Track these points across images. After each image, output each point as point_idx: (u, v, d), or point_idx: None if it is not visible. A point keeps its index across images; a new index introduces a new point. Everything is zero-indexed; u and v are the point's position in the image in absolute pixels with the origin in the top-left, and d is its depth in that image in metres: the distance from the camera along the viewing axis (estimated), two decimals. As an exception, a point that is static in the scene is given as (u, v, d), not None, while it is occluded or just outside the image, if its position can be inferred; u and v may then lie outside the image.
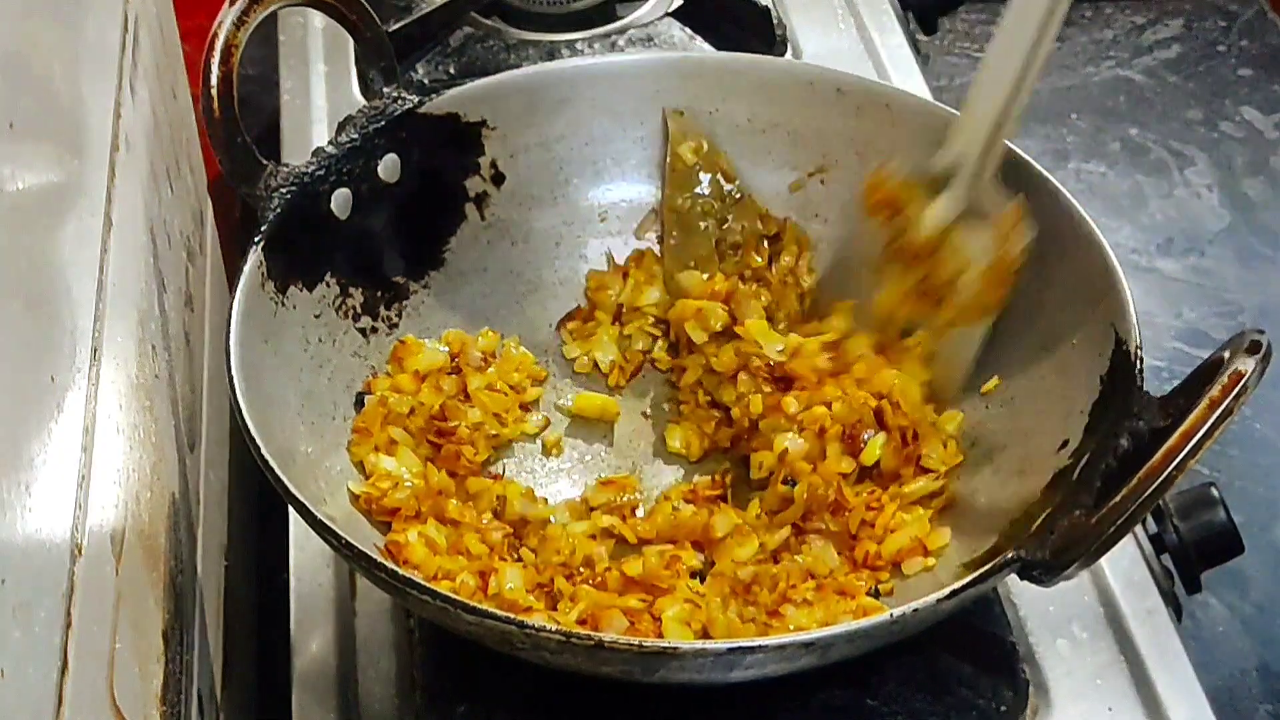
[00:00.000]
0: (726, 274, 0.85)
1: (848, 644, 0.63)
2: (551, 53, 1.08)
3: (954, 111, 0.83)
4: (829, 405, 0.77)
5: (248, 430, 0.66)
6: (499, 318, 0.87)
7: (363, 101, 0.99)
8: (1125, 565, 0.79)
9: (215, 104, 0.72)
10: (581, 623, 0.71)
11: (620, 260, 0.88)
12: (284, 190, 0.76)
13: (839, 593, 0.73)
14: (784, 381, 0.80)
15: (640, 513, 0.79)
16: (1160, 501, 0.75)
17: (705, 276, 0.85)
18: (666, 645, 0.64)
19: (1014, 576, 0.64)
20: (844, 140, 0.85)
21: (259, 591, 1.01)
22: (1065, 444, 0.71)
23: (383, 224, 0.82)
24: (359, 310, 0.81)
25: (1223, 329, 1.19)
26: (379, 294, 0.82)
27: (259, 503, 1.04)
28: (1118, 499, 0.61)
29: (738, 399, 0.80)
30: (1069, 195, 0.77)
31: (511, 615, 0.61)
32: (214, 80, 0.72)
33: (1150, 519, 0.80)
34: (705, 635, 0.71)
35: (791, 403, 0.78)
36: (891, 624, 0.61)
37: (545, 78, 0.87)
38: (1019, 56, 0.73)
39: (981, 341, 0.78)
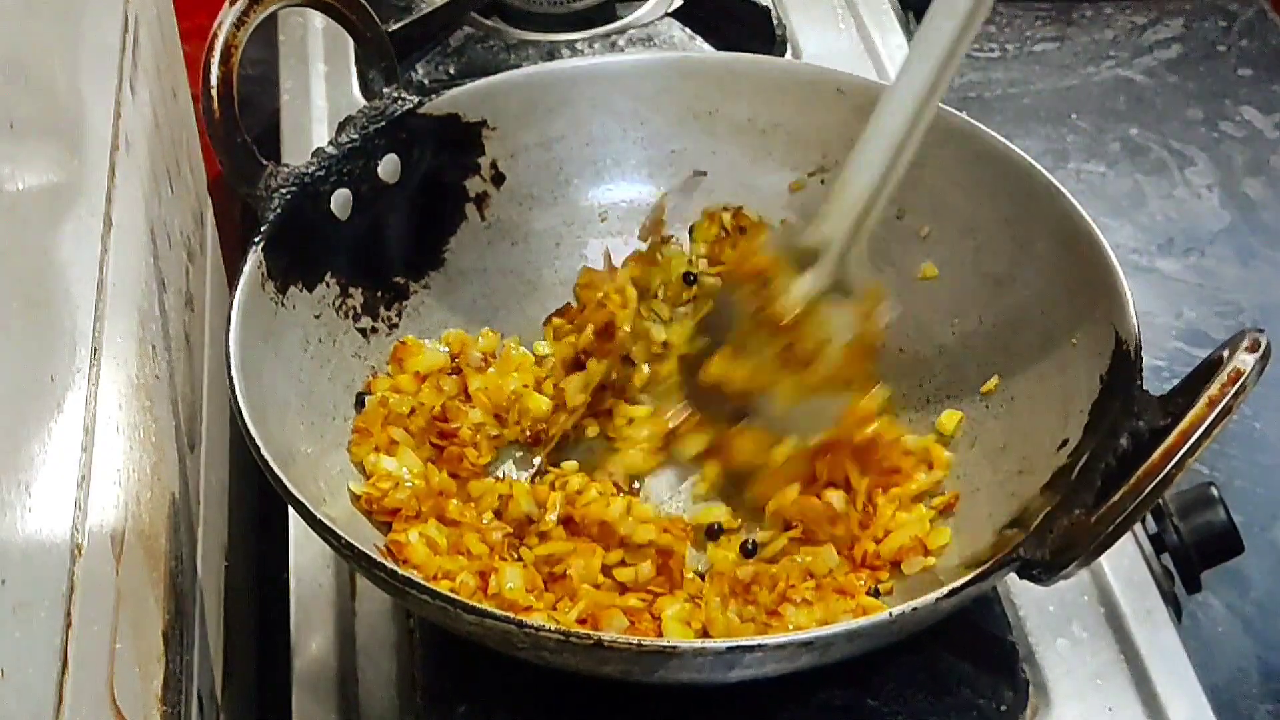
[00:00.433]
0: None
1: (847, 643, 0.63)
2: (551, 53, 1.08)
3: (954, 112, 0.83)
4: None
5: (248, 430, 0.66)
6: (499, 318, 0.87)
7: (363, 101, 0.99)
8: (1125, 565, 0.79)
9: (215, 104, 0.72)
10: (581, 622, 0.71)
11: (618, 261, 0.88)
12: (284, 190, 0.76)
13: (838, 592, 0.73)
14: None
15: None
16: (1160, 501, 0.75)
17: None
18: (666, 645, 0.63)
19: (1014, 576, 0.64)
20: (844, 140, 0.85)
21: (259, 591, 1.01)
22: (1065, 443, 0.71)
23: (383, 224, 0.82)
24: (359, 310, 0.81)
25: (1223, 329, 1.19)
26: (379, 294, 0.82)
27: (259, 503, 1.04)
28: (1117, 498, 0.61)
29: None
30: (1069, 195, 0.77)
31: (511, 615, 0.61)
32: (214, 80, 0.72)
33: (1150, 519, 0.80)
34: (705, 635, 0.72)
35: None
36: (891, 623, 0.61)
37: (545, 78, 0.88)
38: (893, 141, 0.74)
39: (842, 406, 0.79)
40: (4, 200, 0.51)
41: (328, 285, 0.79)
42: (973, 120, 0.82)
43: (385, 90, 0.81)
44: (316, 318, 0.78)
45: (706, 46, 1.09)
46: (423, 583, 0.62)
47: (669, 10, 1.12)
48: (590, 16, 1.12)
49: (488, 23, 1.12)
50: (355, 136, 0.80)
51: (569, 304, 0.88)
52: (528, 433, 0.82)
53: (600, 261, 0.88)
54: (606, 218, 0.89)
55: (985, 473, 0.77)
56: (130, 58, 0.81)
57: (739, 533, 0.78)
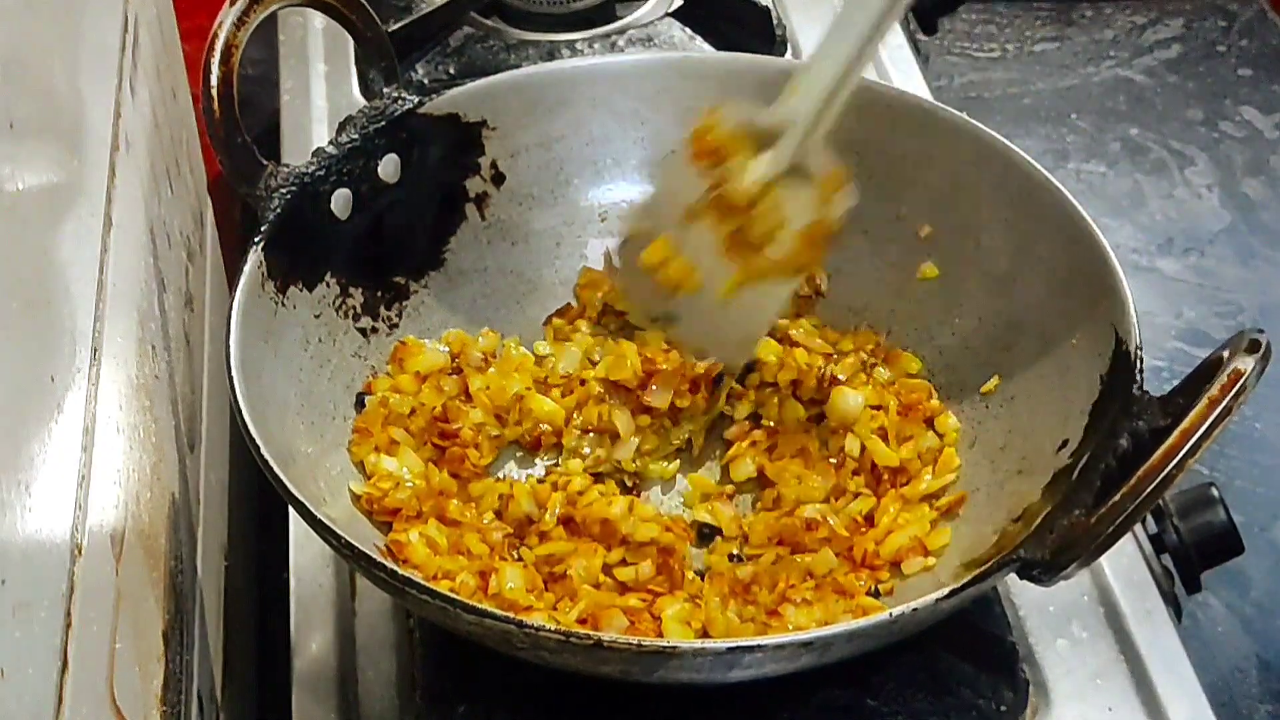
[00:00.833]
0: None
1: (847, 644, 0.63)
2: (551, 53, 1.08)
3: (954, 112, 0.83)
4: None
5: (248, 430, 0.66)
6: (499, 318, 0.87)
7: (363, 101, 0.99)
8: (1125, 565, 0.79)
9: (215, 104, 0.72)
10: (581, 622, 0.71)
11: (618, 261, 0.88)
12: (284, 190, 0.76)
13: (838, 592, 0.73)
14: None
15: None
16: (1160, 501, 0.75)
17: None
18: (665, 645, 0.63)
19: (1014, 576, 0.64)
20: (844, 140, 0.85)
21: (259, 591, 1.01)
22: (1065, 444, 0.71)
23: (383, 224, 0.82)
24: (359, 310, 0.81)
25: (1223, 329, 1.19)
26: (379, 294, 0.82)
27: (259, 503, 1.04)
28: (1117, 499, 0.61)
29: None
30: (1069, 195, 0.77)
31: (511, 615, 0.61)
32: (214, 80, 0.72)
33: (1150, 519, 0.80)
34: (705, 635, 0.72)
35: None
36: (891, 623, 0.61)
37: (545, 78, 0.88)
38: (866, 21, 0.72)
39: (784, 302, 0.78)
40: (4, 200, 0.51)
41: (328, 285, 0.79)
42: (973, 120, 0.82)
43: (385, 90, 0.81)
44: (316, 317, 0.78)
45: (706, 46, 1.09)
46: (423, 583, 0.62)
47: (669, 10, 1.12)
48: (590, 16, 1.12)
49: (488, 23, 1.12)
50: (355, 136, 0.80)
51: (569, 304, 0.88)
52: (529, 436, 0.82)
53: (600, 262, 0.88)
54: (606, 218, 0.89)
55: (985, 473, 0.77)
56: (130, 58, 0.81)
57: (731, 543, 0.78)
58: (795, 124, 0.74)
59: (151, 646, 0.65)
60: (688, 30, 1.10)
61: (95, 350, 0.61)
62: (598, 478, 0.81)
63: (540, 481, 0.79)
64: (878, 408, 0.80)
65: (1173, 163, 1.34)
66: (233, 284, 0.73)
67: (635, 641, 0.60)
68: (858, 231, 0.86)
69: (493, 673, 0.72)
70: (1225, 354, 0.62)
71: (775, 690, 0.71)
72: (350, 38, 0.81)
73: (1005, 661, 0.74)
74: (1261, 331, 0.63)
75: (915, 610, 0.61)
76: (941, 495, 0.77)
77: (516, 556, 0.76)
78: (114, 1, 0.80)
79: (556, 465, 0.82)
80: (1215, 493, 0.79)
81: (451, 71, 1.08)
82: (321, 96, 1.09)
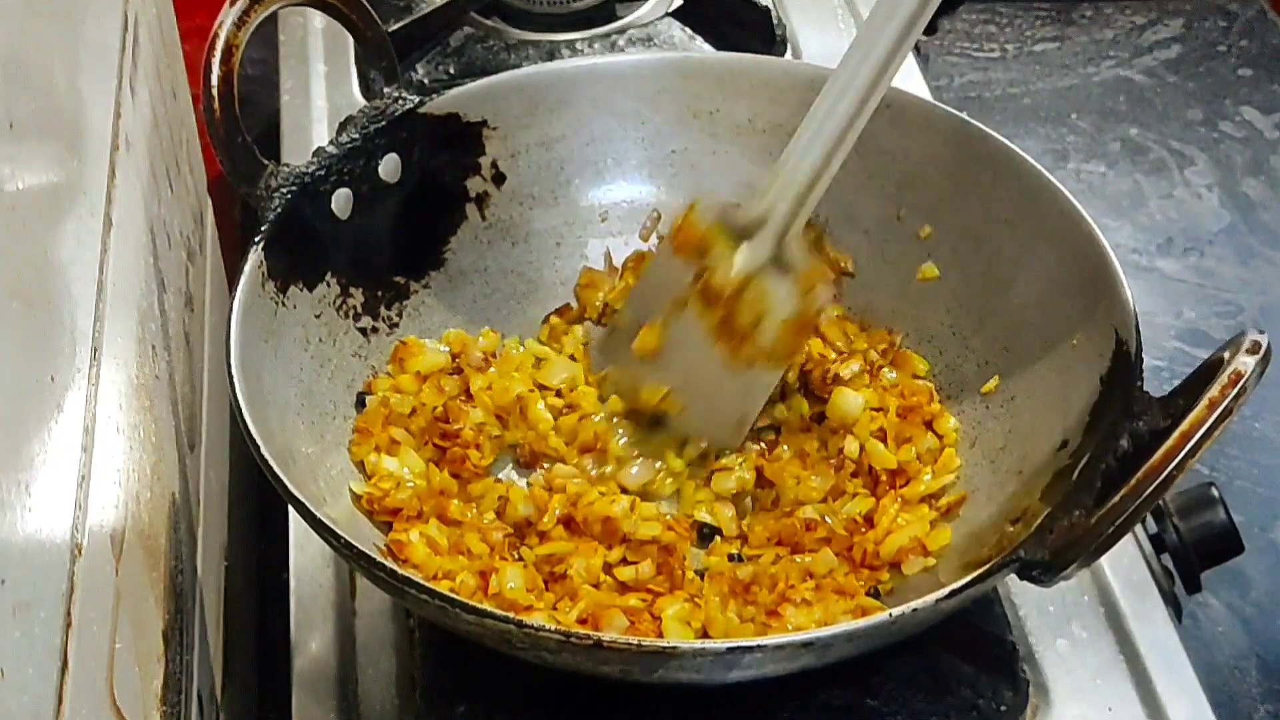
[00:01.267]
0: None
1: (847, 644, 0.63)
2: (551, 53, 1.08)
3: (954, 112, 0.83)
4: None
5: (248, 430, 0.66)
6: (500, 318, 0.87)
7: (363, 101, 0.99)
8: (1125, 565, 0.79)
9: (216, 104, 0.72)
10: (582, 622, 0.71)
11: (618, 261, 0.88)
12: (285, 190, 0.76)
13: (838, 593, 0.73)
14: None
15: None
16: (1160, 501, 0.75)
17: None
18: (665, 645, 0.63)
19: (1014, 576, 0.64)
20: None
21: (259, 591, 1.01)
22: (1065, 444, 0.71)
23: (383, 224, 0.82)
24: (359, 310, 0.81)
25: (1223, 329, 1.19)
26: (379, 294, 0.82)
27: (259, 503, 1.04)
28: (1117, 499, 0.61)
29: None
30: (1069, 195, 0.77)
31: (511, 615, 0.61)
32: (214, 80, 0.72)
33: (1150, 519, 0.80)
34: (705, 635, 0.72)
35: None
36: (891, 624, 0.61)
37: (546, 78, 0.88)
38: (840, 120, 0.75)
39: (774, 384, 0.80)
40: (4, 200, 0.51)
41: (328, 285, 0.79)
42: (973, 120, 0.82)
43: (386, 90, 0.81)
44: (317, 317, 0.78)
45: (706, 46, 1.09)
46: (422, 583, 0.62)
47: (669, 10, 1.12)
48: (590, 16, 1.12)
49: (488, 23, 1.12)
50: (356, 136, 0.80)
51: (568, 304, 0.88)
52: (528, 453, 0.81)
53: (600, 262, 0.88)
54: (607, 218, 0.89)
55: (985, 473, 0.77)
56: (130, 58, 0.81)
57: (731, 543, 0.78)
58: (773, 219, 0.78)
59: (151, 646, 0.65)
60: (688, 30, 1.10)
61: (95, 350, 0.61)
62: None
63: (545, 488, 0.79)
64: (878, 409, 0.80)
65: (1173, 163, 1.34)
66: (233, 284, 0.73)
67: (635, 641, 0.60)
68: (858, 231, 0.86)
69: (493, 673, 0.72)
70: (1225, 355, 0.62)
71: (775, 690, 0.71)
72: (350, 38, 0.81)
73: (1005, 661, 0.74)
74: (1262, 332, 0.63)
75: (915, 610, 0.61)
76: (941, 495, 0.77)
77: (517, 556, 0.75)
78: (114, 2, 0.80)
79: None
80: (1215, 493, 0.79)
81: (451, 71, 1.08)
82: (321, 96, 1.09)
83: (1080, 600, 0.77)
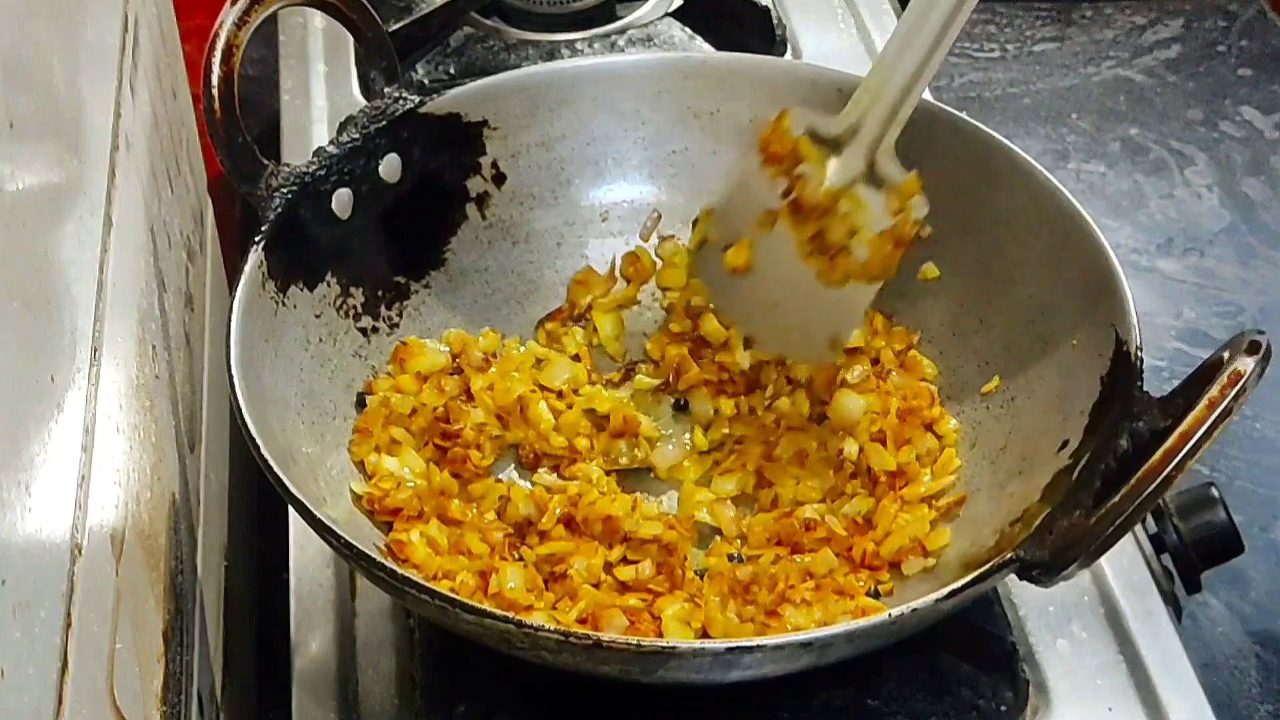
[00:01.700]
0: None
1: (847, 644, 0.63)
2: (551, 53, 1.08)
3: (954, 112, 0.83)
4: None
5: (248, 430, 0.66)
6: (500, 318, 0.87)
7: (363, 101, 0.99)
8: (1125, 565, 0.79)
9: (216, 104, 0.72)
10: (581, 622, 0.71)
11: (617, 260, 0.88)
12: (285, 190, 0.76)
13: (838, 593, 0.73)
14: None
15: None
16: (1160, 501, 0.75)
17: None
18: (665, 645, 0.64)
19: (1014, 576, 0.64)
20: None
21: (259, 591, 1.01)
22: (1065, 444, 0.71)
23: (384, 224, 0.82)
24: (360, 310, 0.81)
25: (1223, 329, 1.19)
26: (380, 294, 0.82)
27: (259, 503, 1.04)
28: (1116, 499, 0.61)
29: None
30: (1069, 195, 0.77)
31: (510, 615, 0.61)
32: (215, 80, 0.72)
33: (1150, 519, 0.80)
34: (705, 635, 0.72)
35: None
36: (890, 624, 0.61)
37: (546, 78, 0.88)
38: (932, 30, 0.73)
39: (868, 302, 0.79)
40: (4, 200, 0.51)
41: (328, 285, 0.79)
42: (973, 120, 0.82)
43: (386, 90, 0.81)
44: (317, 317, 0.78)
45: (706, 46, 1.09)
46: (422, 583, 0.62)
47: (669, 10, 1.12)
48: (590, 16, 1.12)
49: (488, 23, 1.12)
50: (356, 136, 0.80)
51: (560, 307, 0.88)
52: (530, 454, 0.81)
53: (601, 263, 0.88)
54: (607, 218, 0.89)
55: (985, 473, 0.77)
56: (130, 58, 0.81)
57: (730, 544, 0.78)
58: (864, 131, 0.76)
59: (151, 646, 0.65)
60: (688, 30, 1.10)
61: (95, 350, 0.61)
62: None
63: (547, 490, 0.79)
64: (879, 412, 0.80)
65: (1173, 163, 1.34)
66: (233, 284, 0.73)
67: (635, 641, 0.60)
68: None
69: (493, 673, 0.72)
70: (1225, 355, 0.62)
71: (775, 690, 0.71)
72: (350, 38, 0.81)
73: (1005, 661, 0.74)
74: (1262, 332, 0.63)
75: (915, 610, 0.61)
76: (941, 496, 0.77)
77: (517, 556, 0.76)
78: (114, 2, 0.80)
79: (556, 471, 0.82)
80: (1215, 493, 0.79)
81: (452, 71, 1.08)
82: (321, 96, 1.09)
83: (1080, 600, 0.77)
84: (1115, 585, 0.78)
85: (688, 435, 0.83)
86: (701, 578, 0.75)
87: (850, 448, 0.79)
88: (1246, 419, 1.12)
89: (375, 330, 0.82)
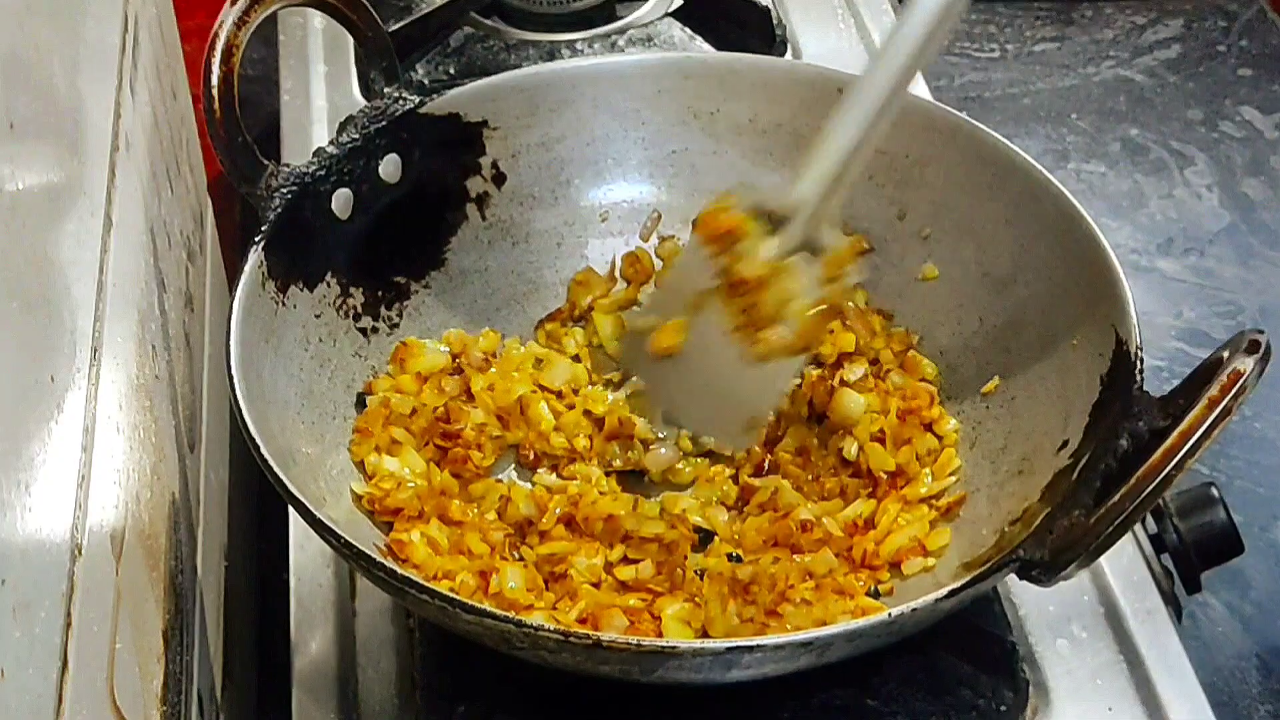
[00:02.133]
0: None
1: (846, 644, 0.63)
2: (551, 53, 1.08)
3: (954, 112, 0.83)
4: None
5: (248, 430, 0.66)
6: (500, 318, 0.87)
7: (363, 101, 0.99)
8: (1125, 565, 0.79)
9: (216, 104, 0.72)
10: (581, 622, 0.71)
11: (617, 260, 0.88)
12: (285, 190, 0.76)
13: (838, 592, 0.73)
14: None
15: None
16: (1160, 501, 0.75)
17: None
18: (664, 644, 0.64)
19: (1014, 576, 0.64)
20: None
21: (259, 591, 1.01)
22: (1065, 444, 0.71)
23: (384, 224, 0.82)
24: (360, 310, 0.81)
25: (1223, 329, 1.19)
26: (380, 294, 0.82)
27: (259, 503, 1.04)
28: (1116, 499, 0.61)
29: None
30: (1069, 195, 0.77)
31: (510, 615, 0.61)
32: (215, 80, 0.72)
33: (1150, 519, 0.80)
34: (705, 635, 0.72)
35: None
36: (890, 624, 0.61)
37: (546, 78, 0.88)
38: (872, 106, 0.74)
39: (788, 381, 0.79)
40: (4, 200, 0.51)
41: (328, 285, 0.79)
42: (973, 120, 0.82)
43: (386, 90, 0.81)
44: (317, 317, 0.78)
45: (706, 46, 1.09)
46: (422, 582, 0.62)
47: (669, 10, 1.12)
48: (590, 16, 1.12)
49: (488, 23, 1.12)
50: (356, 136, 0.80)
51: (559, 308, 0.88)
52: (530, 455, 0.81)
53: (600, 262, 0.88)
54: (607, 218, 0.89)
55: (985, 473, 0.77)
56: (130, 58, 0.81)
57: (730, 544, 0.78)
58: (805, 207, 0.75)
59: (151, 646, 0.65)
60: (688, 30, 1.10)
61: (95, 350, 0.61)
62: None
63: (548, 490, 0.79)
64: (879, 412, 0.80)
65: (1173, 163, 1.34)
66: (233, 284, 0.73)
67: (634, 641, 0.60)
68: (858, 231, 0.86)
69: (493, 673, 0.72)
70: (1225, 354, 0.62)
71: (775, 690, 0.71)
72: (350, 38, 0.81)
73: (1005, 661, 0.74)
74: (1261, 332, 0.63)
75: (915, 610, 0.61)
76: (941, 496, 0.77)
77: (517, 556, 0.76)
78: (114, 2, 0.80)
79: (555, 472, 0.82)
80: (1215, 493, 0.79)
81: (452, 71, 1.08)
82: (321, 96, 1.09)
83: (1080, 600, 0.77)
84: (1115, 585, 0.78)
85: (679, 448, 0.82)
86: (701, 577, 0.75)
87: (850, 447, 0.79)
88: (1246, 419, 1.12)
89: (375, 330, 0.82)
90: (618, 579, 0.75)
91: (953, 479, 0.78)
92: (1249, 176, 1.33)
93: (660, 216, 0.89)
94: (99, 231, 0.66)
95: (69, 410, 0.56)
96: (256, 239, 0.75)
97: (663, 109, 0.88)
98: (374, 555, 0.64)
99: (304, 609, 0.78)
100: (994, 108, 1.38)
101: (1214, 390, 0.60)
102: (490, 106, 0.85)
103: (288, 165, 0.77)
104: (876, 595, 0.74)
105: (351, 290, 0.81)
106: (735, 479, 0.80)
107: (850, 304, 0.84)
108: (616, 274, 0.88)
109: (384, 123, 0.81)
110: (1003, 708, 0.72)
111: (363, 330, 0.81)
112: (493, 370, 0.83)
